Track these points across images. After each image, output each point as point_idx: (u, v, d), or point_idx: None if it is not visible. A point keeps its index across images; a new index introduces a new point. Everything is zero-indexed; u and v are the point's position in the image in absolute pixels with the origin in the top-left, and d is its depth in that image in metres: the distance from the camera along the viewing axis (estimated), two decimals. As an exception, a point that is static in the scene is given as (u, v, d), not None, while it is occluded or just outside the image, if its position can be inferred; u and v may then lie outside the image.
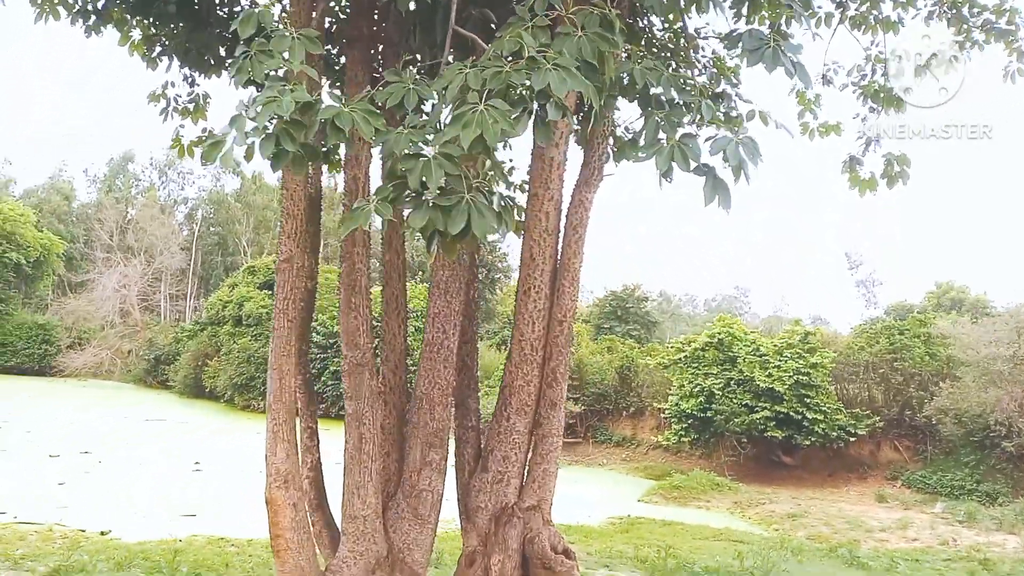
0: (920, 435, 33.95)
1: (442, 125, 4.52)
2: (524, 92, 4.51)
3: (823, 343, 35.57)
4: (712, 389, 34.59)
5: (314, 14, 8.05)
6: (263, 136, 4.27)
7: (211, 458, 30.85)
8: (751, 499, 29.90)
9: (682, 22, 9.44)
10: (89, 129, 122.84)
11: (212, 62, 10.07)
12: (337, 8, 10.04)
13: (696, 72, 10.23)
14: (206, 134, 10.38)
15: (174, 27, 10.08)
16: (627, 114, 13.62)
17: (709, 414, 34.53)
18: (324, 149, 5.78)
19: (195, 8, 9.65)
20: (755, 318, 79.09)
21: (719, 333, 36.29)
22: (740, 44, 5.60)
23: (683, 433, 35.79)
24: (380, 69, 8.65)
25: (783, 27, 8.14)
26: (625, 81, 7.31)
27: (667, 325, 69.12)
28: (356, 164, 8.03)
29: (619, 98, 8.84)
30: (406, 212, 4.67)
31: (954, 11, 9.79)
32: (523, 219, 8.64)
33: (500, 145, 10.67)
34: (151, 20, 10.09)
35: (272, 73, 4.54)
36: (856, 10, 10.15)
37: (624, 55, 6.42)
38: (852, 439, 33.14)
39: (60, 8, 9.41)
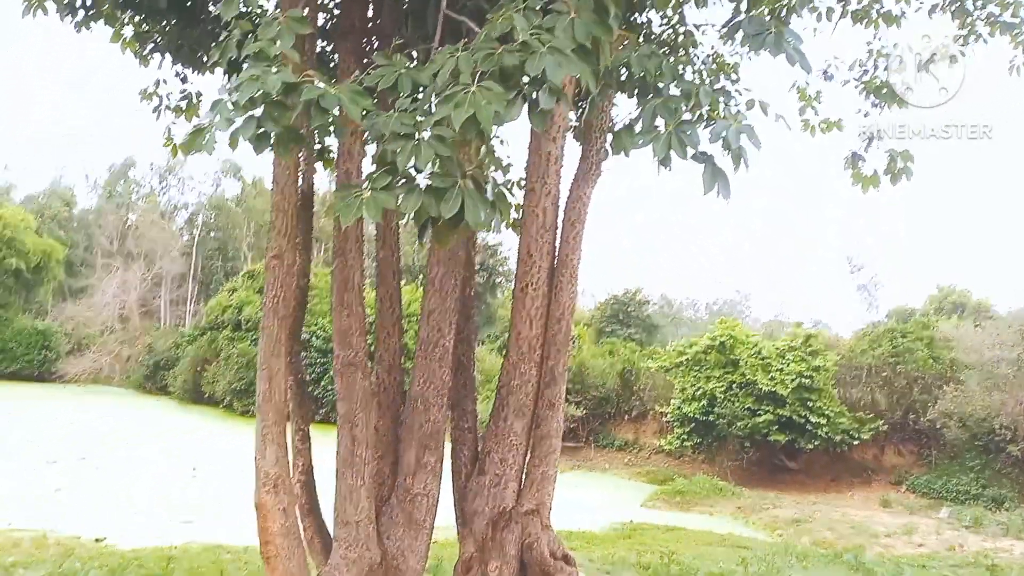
0: (924, 439, 33.73)
1: (433, 108, 4.35)
2: (517, 75, 4.33)
3: (825, 346, 35.39)
4: (714, 392, 34.44)
5: (306, 11, 7.87)
6: (244, 116, 4.10)
7: (209, 464, 30.70)
8: (754, 504, 29.71)
9: (680, 14, 9.27)
10: (89, 129, 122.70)
11: (204, 59, 9.92)
12: (332, 4, 9.89)
13: (695, 68, 10.09)
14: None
15: (166, 23, 9.92)
16: (625, 110, 13.46)
17: (711, 418, 34.36)
18: (313, 139, 5.57)
19: (187, 4, 9.48)
20: (756, 322, 78.89)
21: (721, 336, 36.12)
22: (741, 30, 5.44)
23: (686, 437, 35.64)
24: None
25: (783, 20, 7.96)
26: (623, 76, 7.18)
27: (668, 329, 69.03)
28: (349, 158, 7.83)
29: (617, 94, 8.74)
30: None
31: (958, 4, 9.61)
32: (520, 215, 8.47)
33: (496, 140, 10.60)
34: (143, 16, 9.93)
35: (256, 52, 4.34)
36: (858, 4, 9.96)
37: (621, 47, 6.25)
38: (855, 443, 32.98)
39: (49, 3, 9.20)
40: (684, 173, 5.03)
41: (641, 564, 15.48)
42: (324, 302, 32.02)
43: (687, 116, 5.10)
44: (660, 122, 5.06)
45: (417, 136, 4.18)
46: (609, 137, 8.50)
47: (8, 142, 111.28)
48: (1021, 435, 29.23)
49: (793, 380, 32.54)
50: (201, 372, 54.68)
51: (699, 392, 35.11)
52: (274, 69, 4.20)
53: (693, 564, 15.52)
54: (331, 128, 4.22)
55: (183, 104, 10.91)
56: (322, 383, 41.01)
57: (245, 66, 4.34)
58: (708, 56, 10.46)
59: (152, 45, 10.37)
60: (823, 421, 32.16)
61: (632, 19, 8.84)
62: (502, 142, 10.83)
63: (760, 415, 32.89)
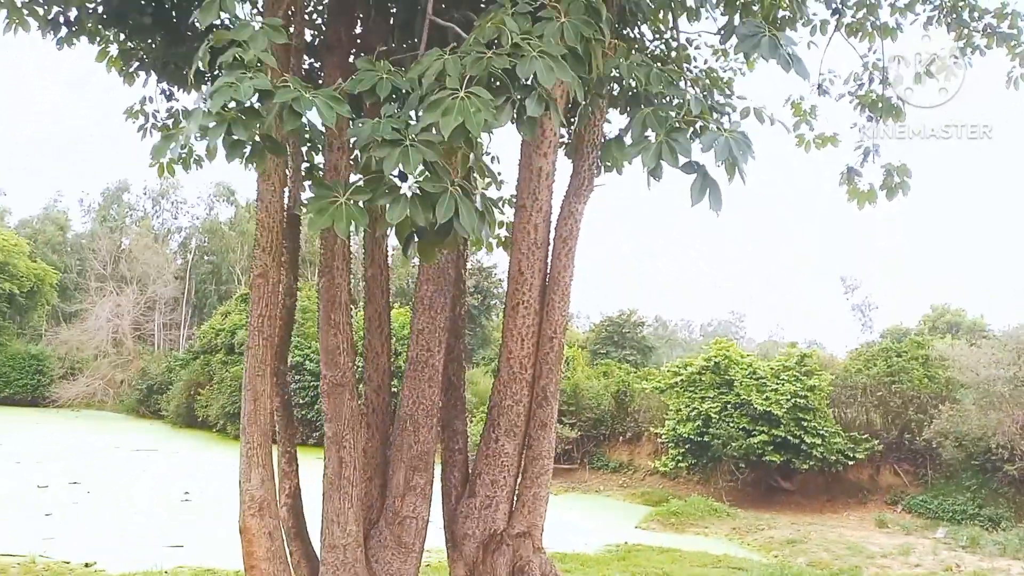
0: (920, 459, 33.49)
1: (418, 113, 4.22)
2: (506, 81, 4.21)
3: (820, 366, 35.23)
4: (709, 413, 34.20)
5: (292, 28, 7.75)
6: (214, 123, 3.95)
7: (201, 488, 30.41)
8: (750, 525, 29.44)
9: (673, 25, 9.17)
10: (89, 129, 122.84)
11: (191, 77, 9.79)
12: (319, 20, 9.80)
13: (687, 79, 9.98)
14: (184, 149, 10.03)
15: (151, 41, 9.79)
16: (617, 127, 13.37)
17: (706, 438, 34.10)
18: (298, 150, 5.43)
19: (172, 21, 9.34)
20: (751, 343, 79.26)
21: (715, 356, 35.93)
22: (734, 34, 5.33)
23: (680, 458, 35.36)
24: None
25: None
26: (615, 91, 7.07)
27: (663, 350, 69.05)
28: (335, 174, 7.69)
29: (610, 110, 8.63)
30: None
31: (954, 15, 9.53)
32: (510, 233, 8.33)
33: (487, 156, 10.47)
34: (127, 33, 9.79)
35: (231, 62, 4.20)
36: (852, 17, 9.88)
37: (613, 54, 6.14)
38: (851, 463, 32.73)
39: (30, 19, 9.06)
40: (681, 184, 4.89)
41: (636, 586, 15.30)
42: (316, 324, 31.78)
43: (678, 125, 4.97)
44: (651, 134, 4.94)
45: (405, 141, 4.04)
46: (600, 153, 8.39)
47: (8, 142, 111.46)
48: (1018, 454, 29.00)
49: (788, 400, 32.34)
50: (194, 396, 54.30)
51: (694, 413, 34.88)
52: (249, 75, 4.06)
53: (689, 586, 15.34)
54: (308, 137, 4.08)
55: (170, 123, 10.79)
56: (315, 407, 40.74)
57: (219, 75, 4.22)
58: (701, 71, 10.38)
59: (137, 63, 10.24)
60: (818, 441, 31.93)
61: (624, 33, 8.76)
62: (493, 159, 10.72)
63: (755, 435, 32.66)
